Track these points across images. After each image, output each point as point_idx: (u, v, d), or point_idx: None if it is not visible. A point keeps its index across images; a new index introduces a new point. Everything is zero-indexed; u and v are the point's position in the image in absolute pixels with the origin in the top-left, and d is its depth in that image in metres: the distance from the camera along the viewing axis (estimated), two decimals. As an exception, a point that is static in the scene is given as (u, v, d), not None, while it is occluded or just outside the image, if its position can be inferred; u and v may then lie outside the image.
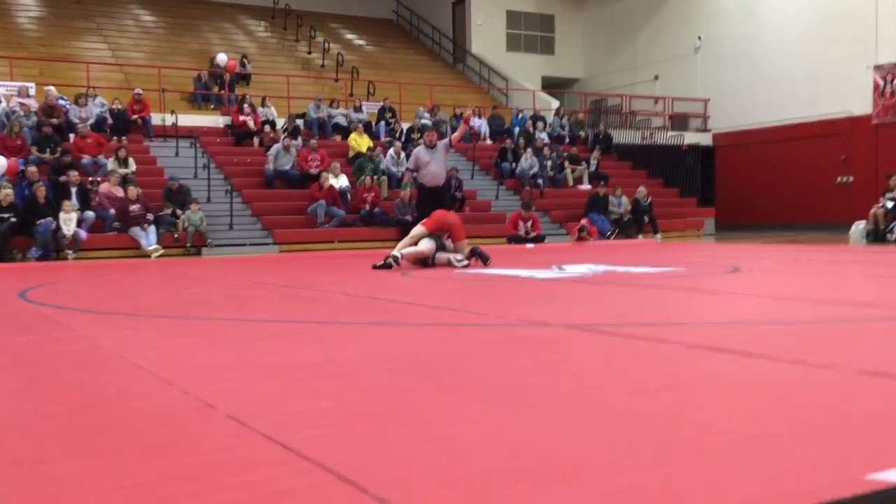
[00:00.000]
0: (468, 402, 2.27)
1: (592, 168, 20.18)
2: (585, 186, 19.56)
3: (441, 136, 11.57)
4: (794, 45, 21.79)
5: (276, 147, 16.76)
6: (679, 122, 24.62)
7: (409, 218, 15.23)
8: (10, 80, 17.74)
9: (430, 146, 10.53)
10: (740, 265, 8.12)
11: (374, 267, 8.25)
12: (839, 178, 21.00)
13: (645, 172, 21.54)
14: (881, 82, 20.02)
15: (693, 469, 1.63)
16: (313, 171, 16.49)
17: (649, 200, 18.22)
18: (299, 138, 17.59)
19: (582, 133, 22.76)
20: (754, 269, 7.73)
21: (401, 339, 3.62)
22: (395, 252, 8.39)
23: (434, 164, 10.51)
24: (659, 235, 17.75)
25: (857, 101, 20.51)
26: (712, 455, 1.72)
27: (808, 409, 2.14)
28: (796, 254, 10.45)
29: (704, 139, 24.18)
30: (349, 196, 16.21)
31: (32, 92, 16.95)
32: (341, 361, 3.02)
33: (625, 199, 18.01)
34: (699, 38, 24.50)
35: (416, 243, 8.60)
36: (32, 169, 13.56)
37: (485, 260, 8.60)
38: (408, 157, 17.87)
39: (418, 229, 8.68)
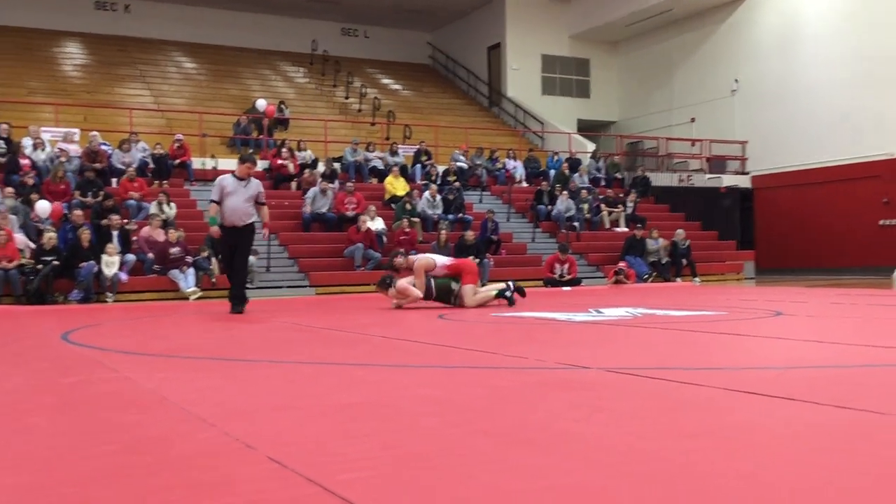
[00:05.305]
0: (507, 446, 2.26)
1: (629, 211, 20.11)
2: (622, 229, 19.48)
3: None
4: (833, 87, 21.66)
5: (313, 190, 16.95)
6: (717, 164, 24.49)
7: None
8: (55, 125, 18.20)
9: (241, 178, 9.03)
10: (782, 309, 8.00)
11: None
12: (882, 221, 20.69)
13: (683, 215, 21.41)
14: (922, 124, 19.79)
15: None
16: (350, 213, 16.63)
17: (687, 243, 18.07)
18: (336, 181, 17.79)
19: (618, 175, 22.74)
20: (797, 314, 7.62)
21: (439, 382, 3.61)
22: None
23: (237, 198, 8.95)
24: (698, 279, 17.58)
25: (899, 143, 20.29)
26: None
27: (855, 456, 2.10)
28: (839, 298, 10.28)
29: (743, 181, 24.02)
30: (385, 239, 16.30)
31: (76, 137, 17.37)
32: (380, 404, 3.02)
33: (662, 242, 17.90)
34: (736, 80, 24.46)
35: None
36: (78, 212, 13.84)
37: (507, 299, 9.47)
38: (444, 200, 18.05)
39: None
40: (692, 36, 25.93)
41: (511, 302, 9.30)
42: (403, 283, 9.18)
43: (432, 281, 9.25)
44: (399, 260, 9.57)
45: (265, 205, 9.32)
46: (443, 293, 9.26)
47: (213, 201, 9.08)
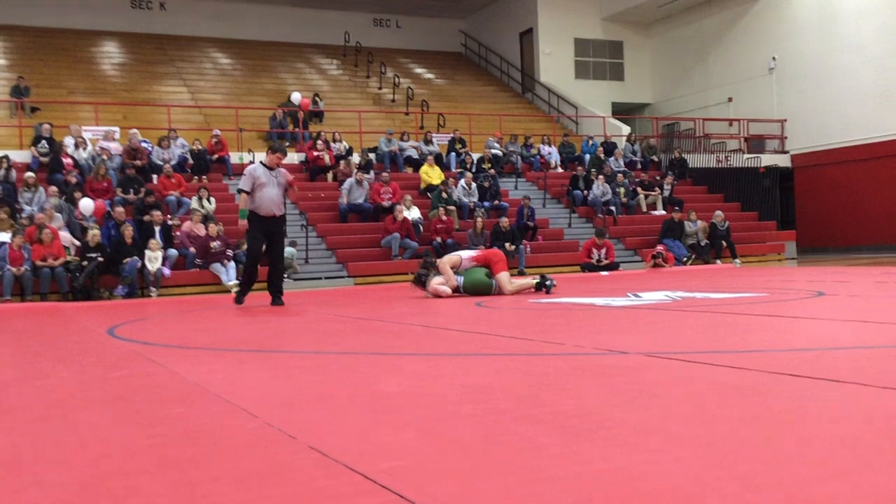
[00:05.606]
0: (549, 432, 2.26)
1: (666, 193, 19.92)
2: (660, 212, 19.30)
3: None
4: (874, 63, 21.21)
5: (349, 181, 17.04)
6: (755, 144, 24.15)
7: (481, 248, 15.27)
8: (95, 124, 18.48)
9: (272, 168, 9.00)
10: (824, 289, 7.89)
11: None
12: (926, 198, 20.28)
13: (721, 196, 21.16)
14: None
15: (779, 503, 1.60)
16: (386, 203, 16.70)
17: (727, 225, 17.87)
18: (372, 172, 17.86)
19: (654, 158, 22.53)
20: (839, 294, 7.51)
21: (479, 370, 3.62)
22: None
23: (272, 189, 8.92)
24: (738, 260, 17.38)
25: (942, 118, 19.84)
26: (800, 489, 1.68)
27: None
28: (882, 276, 10.10)
29: (782, 161, 23.66)
30: (421, 228, 16.34)
31: (117, 135, 17.63)
32: (421, 392, 3.04)
33: (700, 224, 17.71)
34: (773, 57, 24.06)
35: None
36: (120, 209, 14.07)
37: (545, 288, 9.36)
38: (479, 188, 18.02)
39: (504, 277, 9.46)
40: (727, 15, 25.55)
41: (549, 290, 9.29)
42: (435, 284, 9.35)
43: (461, 279, 9.33)
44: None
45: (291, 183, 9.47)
46: (478, 292, 9.26)
47: (244, 191, 8.90)
